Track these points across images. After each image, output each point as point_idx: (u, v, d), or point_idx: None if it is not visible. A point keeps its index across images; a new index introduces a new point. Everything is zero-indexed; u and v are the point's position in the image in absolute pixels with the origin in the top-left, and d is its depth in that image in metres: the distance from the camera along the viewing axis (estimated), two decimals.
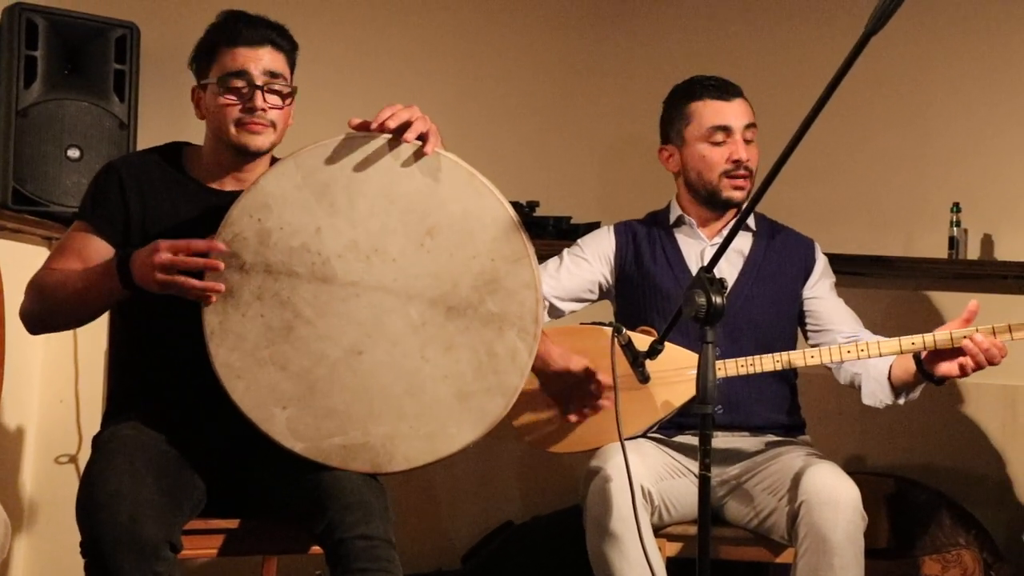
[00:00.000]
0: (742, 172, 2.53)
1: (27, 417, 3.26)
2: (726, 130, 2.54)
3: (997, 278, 3.25)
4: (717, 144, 2.54)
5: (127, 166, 2.24)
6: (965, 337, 2.26)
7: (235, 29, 2.20)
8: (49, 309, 2.16)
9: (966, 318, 2.29)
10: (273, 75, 2.17)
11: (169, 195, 2.22)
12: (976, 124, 3.40)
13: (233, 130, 2.17)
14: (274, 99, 2.18)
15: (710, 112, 2.56)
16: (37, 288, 2.17)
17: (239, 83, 2.16)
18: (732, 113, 2.55)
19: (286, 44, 2.23)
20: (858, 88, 3.00)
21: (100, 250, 2.18)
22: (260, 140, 2.18)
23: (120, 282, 2.03)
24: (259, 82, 2.16)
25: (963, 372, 2.28)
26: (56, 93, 3.04)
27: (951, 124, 3.42)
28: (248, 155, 2.20)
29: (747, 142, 2.54)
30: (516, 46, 3.62)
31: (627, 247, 2.66)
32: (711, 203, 2.59)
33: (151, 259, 1.96)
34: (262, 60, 2.17)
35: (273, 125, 2.19)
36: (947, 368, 2.29)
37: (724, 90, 2.57)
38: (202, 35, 2.25)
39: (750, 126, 2.55)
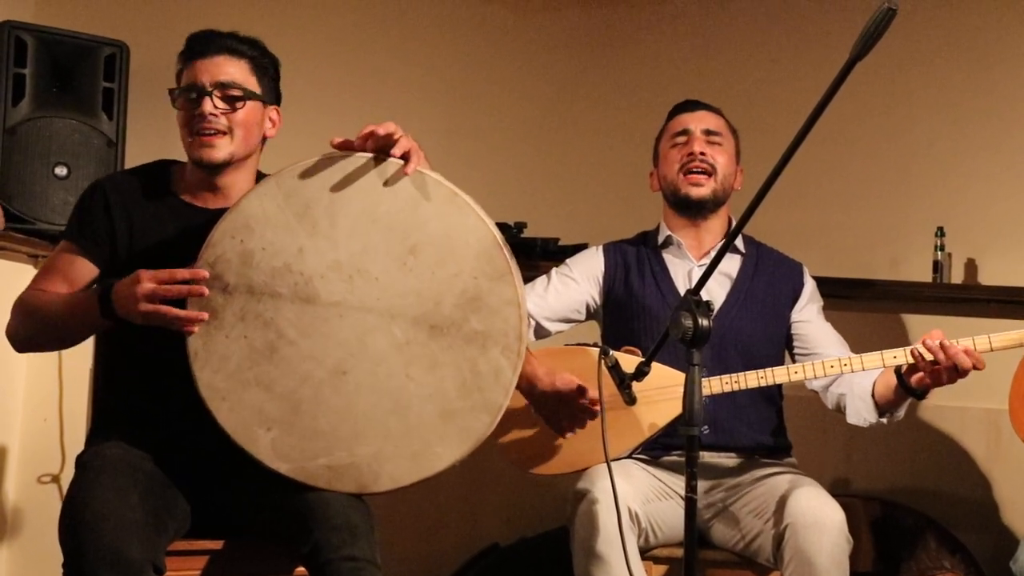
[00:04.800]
0: (696, 164, 2.59)
1: (10, 436, 3.24)
2: (685, 132, 2.64)
3: (981, 302, 3.27)
4: (677, 145, 2.64)
5: (113, 186, 2.24)
6: (941, 346, 2.27)
7: (194, 46, 2.22)
8: (33, 331, 2.16)
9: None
10: (222, 84, 2.17)
11: (155, 214, 2.22)
12: (960, 149, 3.43)
13: (189, 141, 2.19)
14: (224, 104, 2.17)
15: (674, 123, 2.69)
16: (22, 308, 2.17)
17: (191, 94, 2.18)
18: (691, 119, 2.66)
19: (247, 50, 2.23)
20: (843, 113, 3.02)
21: (85, 271, 2.19)
22: (214, 152, 2.17)
23: (101, 314, 2.02)
24: (207, 88, 2.16)
25: (934, 378, 2.29)
26: (44, 111, 3.05)
27: (935, 149, 3.45)
28: (205, 168, 2.20)
29: (709, 143, 2.61)
30: (506, 69, 3.64)
31: (616, 268, 2.67)
32: (679, 206, 2.64)
33: (133, 290, 1.95)
34: (214, 68, 2.18)
35: (230, 132, 2.18)
36: (921, 376, 2.30)
37: (690, 104, 2.70)
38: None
39: (711, 131, 2.63)
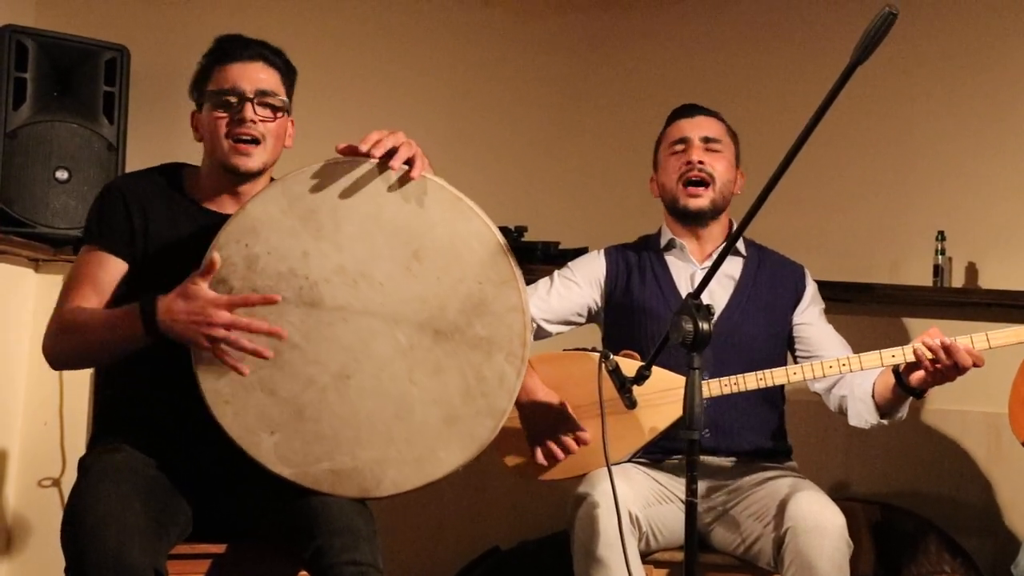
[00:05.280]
0: (694, 174, 2.58)
1: (10, 439, 3.24)
2: (684, 141, 2.62)
3: (981, 306, 3.27)
4: (675, 154, 2.63)
5: (127, 185, 2.24)
6: (941, 344, 2.27)
7: (228, 48, 2.22)
8: (72, 351, 2.12)
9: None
10: (264, 92, 2.19)
11: (169, 214, 2.21)
12: (960, 153, 3.44)
13: (225, 146, 2.18)
14: (264, 112, 2.19)
15: (673, 130, 2.67)
16: (59, 328, 2.12)
17: (231, 97, 2.18)
18: (690, 126, 2.64)
19: (279, 62, 2.25)
20: (843, 117, 3.02)
21: (114, 270, 2.16)
22: (250, 162, 2.19)
23: (146, 332, 1.97)
24: (249, 95, 2.17)
25: (936, 376, 2.29)
26: (45, 115, 3.05)
27: (935, 153, 3.46)
28: (239, 176, 2.21)
29: (707, 151, 2.60)
30: (506, 73, 3.64)
31: (618, 271, 2.67)
32: (678, 216, 2.64)
33: (205, 315, 1.90)
34: (253, 75, 2.19)
35: (264, 139, 2.19)
36: (921, 374, 2.31)
37: (688, 110, 2.68)
38: (199, 62, 2.26)
39: (709, 139, 2.61)
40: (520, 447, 2.45)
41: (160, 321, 1.94)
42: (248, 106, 2.17)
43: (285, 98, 2.23)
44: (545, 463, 2.40)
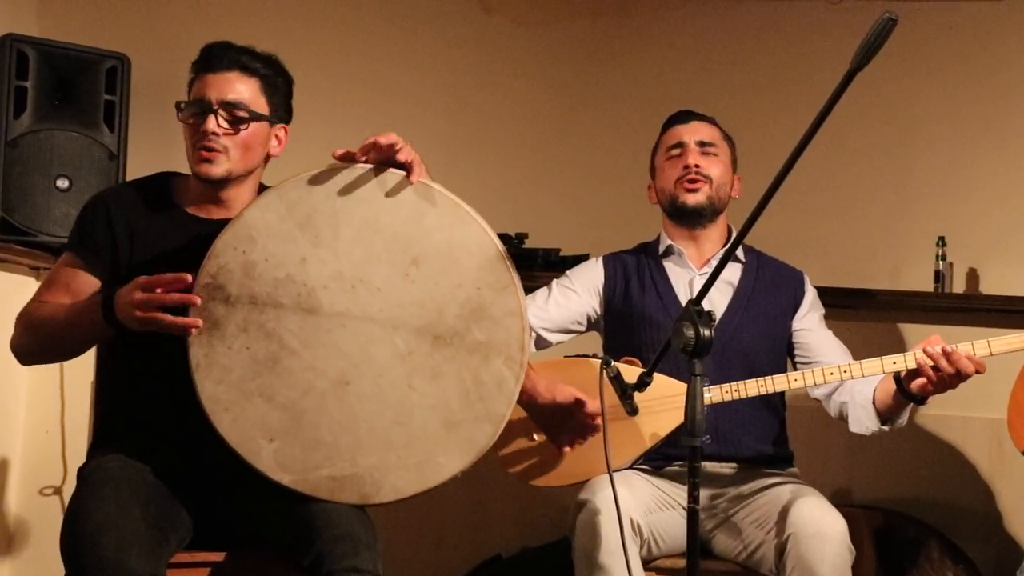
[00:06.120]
0: (691, 176, 2.61)
1: (11, 448, 3.24)
2: (680, 145, 2.65)
3: (982, 312, 3.27)
4: (672, 158, 2.65)
5: (115, 198, 2.25)
6: (943, 352, 2.27)
7: (207, 58, 2.22)
8: (37, 343, 2.17)
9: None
10: (229, 103, 2.17)
11: (158, 225, 2.22)
12: (961, 159, 3.43)
13: (191, 155, 2.20)
14: (227, 124, 2.17)
15: (669, 136, 2.70)
16: (26, 321, 2.18)
17: (197, 108, 2.18)
18: (686, 131, 2.66)
19: (261, 68, 2.23)
20: (844, 122, 3.03)
21: (87, 283, 2.19)
22: (212, 168, 2.17)
23: (105, 321, 2.03)
24: (213, 106, 2.16)
25: (938, 384, 2.29)
26: (46, 123, 3.06)
27: (936, 158, 3.45)
28: (205, 182, 2.20)
29: (703, 155, 2.62)
30: (507, 80, 3.65)
31: (616, 278, 2.67)
32: (677, 215, 2.65)
33: (130, 297, 1.97)
34: (224, 85, 2.18)
35: (226, 150, 2.17)
36: (923, 382, 2.30)
37: (684, 115, 2.71)
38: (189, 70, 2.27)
39: (705, 143, 2.64)
40: (521, 454, 2.45)
41: (115, 310, 2.01)
42: (211, 118, 2.16)
43: (257, 108, 2.20)
44: (564, 452, 2.38)
